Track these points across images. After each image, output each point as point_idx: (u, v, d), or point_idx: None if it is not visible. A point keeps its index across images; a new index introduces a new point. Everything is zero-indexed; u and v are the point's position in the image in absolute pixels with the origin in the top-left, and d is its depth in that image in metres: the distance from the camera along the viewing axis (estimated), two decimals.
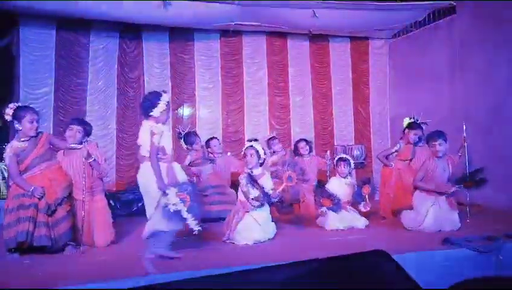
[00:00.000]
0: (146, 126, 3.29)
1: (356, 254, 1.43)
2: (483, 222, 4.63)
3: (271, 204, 4.18)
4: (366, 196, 4.60)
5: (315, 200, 4.66)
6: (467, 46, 6.05)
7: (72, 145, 3.86)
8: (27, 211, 3.47)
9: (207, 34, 6.94)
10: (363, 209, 4.61)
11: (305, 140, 5.62)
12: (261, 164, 4.08)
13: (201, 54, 6.98)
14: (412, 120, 5.07)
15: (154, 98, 3.29)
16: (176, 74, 6.84)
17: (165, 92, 3.41)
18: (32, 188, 3.49)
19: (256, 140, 4.26)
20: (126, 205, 6.12)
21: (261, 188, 3.95)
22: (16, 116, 3.55)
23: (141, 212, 6.06)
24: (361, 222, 4.51)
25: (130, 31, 6.56)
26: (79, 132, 3.97)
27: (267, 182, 3.98)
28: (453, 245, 3.42)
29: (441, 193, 4.19)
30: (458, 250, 3.35)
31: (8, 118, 3.57)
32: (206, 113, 6.92)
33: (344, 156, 4.93)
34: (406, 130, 5.01)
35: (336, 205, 4.44)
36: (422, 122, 5.08)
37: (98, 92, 6.39)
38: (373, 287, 1.33)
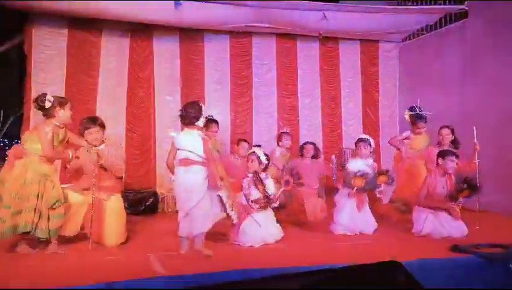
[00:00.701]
0: (195, 134, 3.68)
1: (370, 264, 1.43)
2: (493, 229, 4.60)
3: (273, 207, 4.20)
4: (382, 185, 4.44)
5: (344, 182, 4.53)
6: (478, 51, 6.02)
7: (97, 147, 3.94)
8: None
9: (217, 35, 6.94)
10: (378, 195, 4.53)
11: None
12: (265, 169, 4.21)
13: (211, 55, 6.98)
14: (412, 112, 5.13)
15: (197, 110, 3.69)
16: (186, 75, 6.85)
17: (202, 104, 3.83)
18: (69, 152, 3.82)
19: (259, 146, 4.35)
20: (134, 204, 6.15)
21: (264, 191, 4.02)
22: (59, 102, 3.74)
23: (149, 211, 6.17)
24: (370, 227, 4.44)
25: (141, 31, 6.59)
26: (98, 132, 4.00)
27: (269, 186, 4.09)
28: (462, 252, 3.40)
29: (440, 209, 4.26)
30: (467, 257, 3.33)
31: (48, 104, 3.65)
32: (215, 114, 6.87)
33: (364, 136, 4.75)
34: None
35: (369, 183, 4.33)
36: (424, 113, 5.10)
37: (108, 91, 6.42)
38: None
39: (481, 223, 4.64)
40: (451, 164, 4.29)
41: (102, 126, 4.03)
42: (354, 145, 7.13)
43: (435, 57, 6.78)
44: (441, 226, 4.17)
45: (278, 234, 4.10)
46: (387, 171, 4.56)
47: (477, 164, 4.57)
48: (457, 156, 4.38)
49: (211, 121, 5.51)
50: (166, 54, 6.78)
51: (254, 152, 4.18)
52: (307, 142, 5.50)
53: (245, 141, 5.61)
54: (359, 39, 7.58)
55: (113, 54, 6.49)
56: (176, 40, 6.81)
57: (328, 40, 7.43)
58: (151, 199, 6.30)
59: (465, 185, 4.20)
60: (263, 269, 2.98)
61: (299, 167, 4.70)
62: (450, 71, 6.45)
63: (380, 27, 6.87)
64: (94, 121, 4.01)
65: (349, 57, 7.61)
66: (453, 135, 4.87)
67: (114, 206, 4.11)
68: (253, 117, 7.14)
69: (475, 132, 4.65)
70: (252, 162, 4.12)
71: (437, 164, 4.39)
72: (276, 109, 7.23)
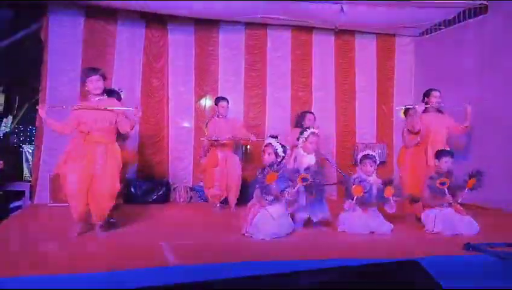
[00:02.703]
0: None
1: (388, 263, 1.42)
2: (504, 226, 4.55)
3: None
4: (391, 198, 4.22)
5: (345, 190, 4.40)
6: (497, 46, 5.90)
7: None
8: None
9: (232, 26, 6.92)
10: (388, 211, 4.26)
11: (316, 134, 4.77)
12: (280, 161, 4.06)
13: (225, 46, 6.96)
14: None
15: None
16: (200, 65, 6.86)
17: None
18: None
19: (276, 137, 4.21)
20: (146, 193, 6.21)
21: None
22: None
23: (161, 200, 6.22)
24: (385, 228, 4.24)
25: (156, 21, 6.60)
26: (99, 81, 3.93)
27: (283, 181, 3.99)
28: (475, 251, 3.37)
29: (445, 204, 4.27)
30: (480, 256, 3.30)
31: None
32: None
33: (370, 153, 4.51)
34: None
35: (368, 192, 4.16)
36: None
37: (122, 81, 6.43)
38: None
39: (494, 222, 4.61)
40: (446, 165, 4.34)
41: (104, 76, 3.95)
42: (367, 140, 7.24)
43: (452, 52, 6.67)
44: (451, 223, 4.15)
45: (289, 227, 4.07)
46: (391, 181, 4.33)
47: (465, 128, 4.92)
48: (452, 156, 4.39)
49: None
50: (181, 45, 6.79)
51: (271, 144, 4.06)
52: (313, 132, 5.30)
53: (224, 98, 5.75)
54: (375, 33, 7.48)
55: (128, 44, 6.52)
56: (191, 31, 6.81)
57: (344, 33, 7.35)
58: (163, 189, 6.35)
59: (470, 176, 4.19)
60: (274, 261, 2.99)
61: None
62: (467, 67, 6.33)
63: (398, 20, 6.78)
64: (95, 69, 3.97)
65: (365, 50, 7.52)
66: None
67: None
68: (266, 109, 7.12)
69: (469, 108, 4.92)
70: (268, 155, 4.03)
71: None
72: (289, 102, 7.19)
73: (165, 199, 6.35)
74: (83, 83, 3.92)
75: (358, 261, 2.76)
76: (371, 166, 4.39)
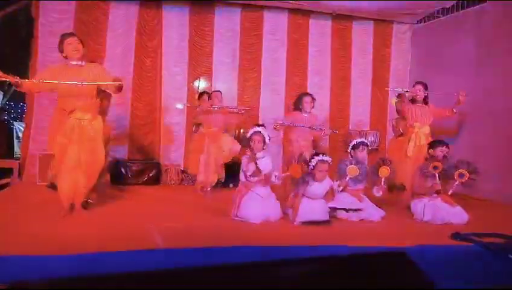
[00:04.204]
0: None
1: (376, 253, 1.40)
2: (495, 217, 4.57)
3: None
4: (383, 179, 4.25)
5: (338, 171, 4.34)
6: (495, 36, 5.85)
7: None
8: None
9: (228, 8, 6.80)
10: (375, 194, 4.29)
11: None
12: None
13: (221, 27, 6.85)
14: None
15: None
16: (194, 46, 6.75)
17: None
18: None
19: (262, 125, 4.21)
20: (137, 174, 6.16)
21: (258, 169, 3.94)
22: None
23: (151, 182, 6.18)
24: (376, 214, 4.25)
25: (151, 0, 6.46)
26: (78, 43, 3.87)
27: (266, 165, 4.00)
28: (463, 240, 3.38)
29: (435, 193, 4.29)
30: (468, 246, 3.30)
31: None
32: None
33: (364, 140, 4.56)
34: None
35: (361, 174, 4.20)
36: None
37: (115, 59, 6.34)
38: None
39: (484, 212, 4.62)
40: (441, 153, 4.35)
41: (82, 41, 3.86)
42: (361, 127, 7.22)
43: (450, 41, 6.61)
44: (440, 212, 4.15)
45: (277, 209, 4.05)
46: (388, 161, 4.34)
47: (455, 113, 5.05)
48: (447, 145, 4.42)
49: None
50: (175, 24, 6.67)
51: (260, 132, 4.05)
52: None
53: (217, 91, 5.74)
54: (373, 19, 7.40)
55: (121, 21, 6.40)
56: (186, 11, 6.69)
57: (342, 19, 7.26)
58: (154, 171, 6.30)
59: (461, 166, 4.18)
60: (261, 247, 2.97)
61: None
62: (463, 56, 6.28)
63: (396, 7, 6.68)
64: (70, 32, 3.91)
65: (362, 36, 7.44)
66: (426, 90, 5.07)
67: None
68: (261, 93, 7.05)
69: (462, 96, 5.01)
70: (257, 143, 4.02)
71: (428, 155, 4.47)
72: (284, 86, 7.13)
73: (155, 181, 6.30)
74: (61, 50, 3.80)
75: (348, 249, 2.75)
76: (363, 151, 4.45)
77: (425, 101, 5.11)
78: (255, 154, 4.01)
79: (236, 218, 3.91)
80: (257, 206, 3.88)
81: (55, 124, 3.80)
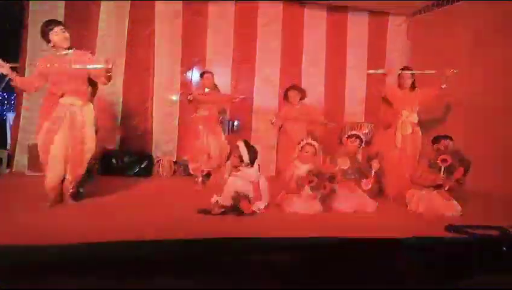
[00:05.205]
0: None
1: (370, 239, 1.35)
2: (489, 210, 4.55)
3: None
4: (373, 171, 4.30)
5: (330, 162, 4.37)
6: (490, 28, 5.79)
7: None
8: None
9: None
10: (364, 188, 4.32)
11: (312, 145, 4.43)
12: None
13: (215, 17, 6.76)
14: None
15: None
16: (188, 35, 6.65)
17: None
18: None
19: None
20: (128, 166, 6.09)
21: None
22: None
23: (143, 174, 6.10)
24: (370, 205, 4.26)
25: None
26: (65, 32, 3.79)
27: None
28: (456, 232, 3.35)
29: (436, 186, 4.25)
30: (461, 237, 3.27)
31: None
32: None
33: (356, 132, 4.61)
34: None
35: (351, 168, 4.29)
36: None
37: (106, 48, 6.23)
38: (385, 276, 1.26)
39: (478, 205, 4.60)
40: (445, 146, 4.44)
41: (67, 26, 3.77)
42: (355, 119, 7.16)
43: (445, 33, 6.55)
44: (435, 204, 4.14)
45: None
46: (377, 154, 4.45)
47: (443, 89, 4.86)
48: (451, 138, 4.46)
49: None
50: (168, 13, 6.57)
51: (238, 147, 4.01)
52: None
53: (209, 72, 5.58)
54: (369, 10, 7.33)
55: (112, 9, 6.28)
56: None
57: (337, 10, 7.18)
58: (146, 162, 6.23)
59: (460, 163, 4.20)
60: (249, 237, 2.90)
61: None
62: (459, 49, 6.23)
63: None
64: (55, 20, 3.75)
65: (357, 28, 7.37)
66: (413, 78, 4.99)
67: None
68: (255, 84, 6.97)
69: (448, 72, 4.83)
70: (234, 157, 3.98)
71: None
72: (278, 78, 7.05)
73: (147, 172, 6.23)
74: (48, 40, 3.69)
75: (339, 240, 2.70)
76: (354, 142, 4.45)
77: (413, 85, 5.01)
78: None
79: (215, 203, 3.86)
80: (235, 185, 3.85)
81: (44, 111, 3.71)
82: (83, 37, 6.09)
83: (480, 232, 3.34)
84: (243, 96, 5.61)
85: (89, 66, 3.68)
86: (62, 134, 3.62)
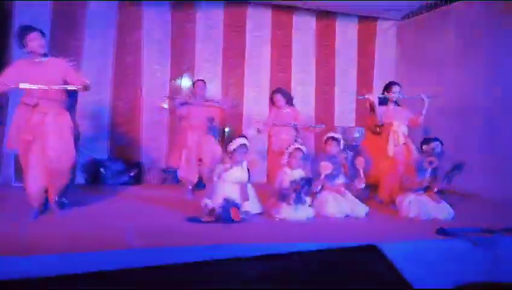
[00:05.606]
0: None
1: (347, 248, 1.31)
2: (480, 213, 4.53)
3: None
4: (361, 170, 4.26)
5: (312, 170, 4.28)
6: (479, 33, 5.81)
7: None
8: None
9: (210, 3, 6.66)
10: (358, 186, 4.29)
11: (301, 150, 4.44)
12: None
13: (203, 24, 6.70)
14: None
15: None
16: (176, 43, 6.60)
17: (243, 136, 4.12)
18: None
19: (245, 136, 4.20)
20: (117, 174, 6.00)
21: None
22: None
23: (133, 182, 6.01)
24: (361, 210, 4.21)
25: None
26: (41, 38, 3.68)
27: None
28: (448, 236, 3.31)
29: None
30: (453, 241, 3.23)
31: None
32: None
33: (334, 134, 4.56)
34: None
35: (336, 170, 4.23)
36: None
37: (94, 56, 6.16)
38: (362, 285, 1.21)
39: (469, 208, 4.58)
40: (435, 148, 4.34)
41: (42, 33, 3.68)
42: (346, 124, 7.14)
43: (434, 37, 6.57)
44: (426, 208, 4.10)
45: (258, 207, 4.01)
46: (361, 151, 4.48)
47: (423, 119, 4.84)
48: (440, 141, 4.43)
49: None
50: (156, 20, 6.50)
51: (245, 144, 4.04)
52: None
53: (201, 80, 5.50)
54: (357, 15, 7.34)
55: (100, 16, 6.19)
56: (167, 6, 6.53)
57: (326, 15, 7.19)
58: (135, 170, 6.14)
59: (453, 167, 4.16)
60: (234, 244, 2.83)
61: None
62: (448, 52, 6.25)
63: (380, 4, 6.60)
64: (32, 27, 3.63)
65: (347, 33, 7.37)
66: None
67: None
68: (245, 91, 6.93)
69: (426, 98, 4.80)
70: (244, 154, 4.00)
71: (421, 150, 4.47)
72: (268, 84, 7.00)
73: (137, 180, 6.14)
74: (23, 45, 3.58)
75: (326, 245, 2.65)
76: (334, 146, 4.40)
77: (396, 103, 5.04)
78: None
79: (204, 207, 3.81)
80: (223, 187, 3.86)
81: (17, 121, 3.61)
82: (69, 44, 6.01)
83: (473, 235, 3.30)
84: (233, 104, 5.55)
85: (68, 87, 3.60)
86: (38, 144, 3.52)
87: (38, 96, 3.54)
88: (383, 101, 4.98)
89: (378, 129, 5.19)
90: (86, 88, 3.60)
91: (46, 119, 3.56)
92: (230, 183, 3.90)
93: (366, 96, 5.03)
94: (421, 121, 4.87)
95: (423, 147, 4.43)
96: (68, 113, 3.73)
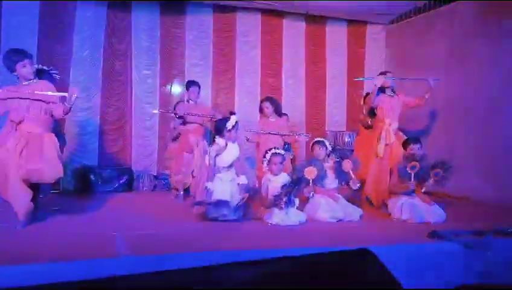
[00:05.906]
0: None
1: (340, 252, 1.29)
2: (471, 215, 4.55)
3: None
4: (350, 172, 4.27)
5: (298, 179, 4.16)
6: (468, 35, 5.86)
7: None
8: None
9: (200, 8, 6.65)
10: (353, 187, 4.30)
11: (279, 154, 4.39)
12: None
13: (192, 29, 6.70)
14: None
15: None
16: (166, 48, 6.57)
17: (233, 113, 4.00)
18: None
19: (234, 113, 4.11)
20: (107, 181, 5.92)
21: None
22: None
23: (124, 189, 5.95)
24: (355, 213, 4.20)
25: (120, 0, 6.25)
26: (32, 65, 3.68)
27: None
28: (440, 238, 3.31)
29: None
30: (445, 244, 3.23)
31: None
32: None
33: (320, 139, 4.56)
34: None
35: (321, 172, 4.15)
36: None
37: (82, 63, 6.11)
38: (356, 289, 1.19)
39: (462, 210, 4.59)
40: (416, 151, 4.36)
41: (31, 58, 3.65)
42: (337, 128, 7.16)
43: (423, 40, 6.62)
44: (418, 211, 4.11)
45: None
46: (347, 154, 4.50)
47: (427, 100, 5.09)
48: (420, 142, 4.48)
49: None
50: (145, 26, 6.48)
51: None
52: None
53: (195, 83, 5.44)
54: (347, 20, 7.38)
55: (88, 22, 6.14)
56: (157, 12, 6.51)
57: (315, 20, 7.22)
58: (125, 177, 6.08)
59: (438, 166, 4.20)
60: (226, 251, 2.81)
61: None
62: (437, 55, 6.30)
63: (368, 6, 6.64)
64: (24, 52, 3.58)
65: (336, 37, 7.41)
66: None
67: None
68: (235, 95, 6.92)
69: (432, 81, 5.06)
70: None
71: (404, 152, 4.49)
72: (259, 88, 7.02)
73: (127, 187, 6.08)
74: (12, 70, 3.56)
75: (318, 250, 2.63)
76: (320, 149, 4.41)
77: (393, 91, 5.05)
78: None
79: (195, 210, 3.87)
80: (217, 187, 3.85)
81: (2, 137, 3.55)
82: (57, 51, 5.96)
83: (465, 237, 3.30)
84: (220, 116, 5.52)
85: (52, 105, 3.61)
86: (20, 157, 3.44)
87: (23, 115, 3.52)
88: (380, 90, 4.97)
89: (369, 122, 5.23)
90: (65, 112, 3.64)
91: (30, 137, 3.52)
92: (227, 182, 3.88)
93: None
94: (421, 101, 5.10)
95: (406, 150, 4.44)
96: (52, 134, 3.68)
